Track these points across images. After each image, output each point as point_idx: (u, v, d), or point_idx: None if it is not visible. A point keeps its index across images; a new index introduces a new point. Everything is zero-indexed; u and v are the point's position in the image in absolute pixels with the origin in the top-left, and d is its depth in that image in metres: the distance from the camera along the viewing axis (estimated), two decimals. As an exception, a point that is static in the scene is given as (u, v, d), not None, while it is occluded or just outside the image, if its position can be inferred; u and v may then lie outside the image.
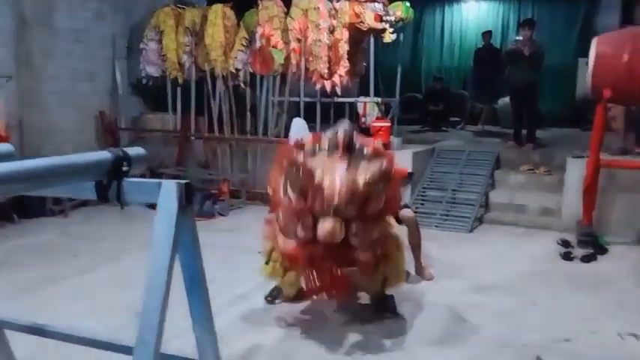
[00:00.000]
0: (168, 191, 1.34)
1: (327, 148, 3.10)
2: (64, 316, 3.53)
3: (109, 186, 1.39)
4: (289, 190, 3.05)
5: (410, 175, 5.26)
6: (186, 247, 1.43)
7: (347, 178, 2.95)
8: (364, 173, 2.97)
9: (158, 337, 1.34)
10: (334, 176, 2.96)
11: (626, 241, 5.36)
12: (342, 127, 3.10)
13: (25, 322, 1.96)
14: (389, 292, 3.65)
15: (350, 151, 3.06)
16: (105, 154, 1.37)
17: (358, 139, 3.18)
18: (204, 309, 1.51)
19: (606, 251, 5.12)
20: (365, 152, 3.09)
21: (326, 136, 3.17)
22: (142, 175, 8.04)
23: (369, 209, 3.01)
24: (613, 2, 10.04)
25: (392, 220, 3.66)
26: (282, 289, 3.86)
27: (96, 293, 3.99)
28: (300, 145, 3.19)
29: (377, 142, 3.32)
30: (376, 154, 3.10)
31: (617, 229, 5.52)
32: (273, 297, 3.87)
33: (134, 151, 1.45)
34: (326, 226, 2.92)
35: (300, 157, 3.07)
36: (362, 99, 7.73)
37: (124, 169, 1.40)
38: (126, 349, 1.66)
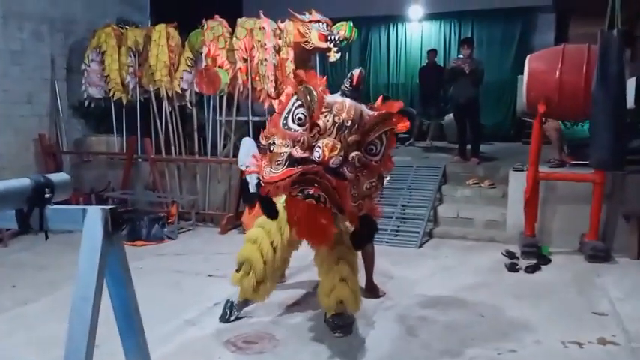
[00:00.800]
0: (93, 218, 1.29)
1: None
2: (2, 349, 3.36)
3: (29, 214, 1.33)
4: (290, 120, 2.97)
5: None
6: (114, 276, 1.37)
7: (357, 106, 2.92)
8: (370, 112, 2.96)
9: (86, 368, 1.27)
10: (345, 100, 2.93)
11: (568, 250, 5.55)
12: (356, 70, 3.07)
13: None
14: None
15: (356, 94, 3.00)
16: (25, 181, 1.31)
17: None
18: (138, 342, 1.45)
19: (549, 261, 5.29)
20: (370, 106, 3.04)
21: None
22: (87, 199, 7.81)
23: (369, 151, 2.96)
24: (547, 22, 10.56)
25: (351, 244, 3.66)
26: (232, 305, 3.84)
27: (36, 325, 3.80)
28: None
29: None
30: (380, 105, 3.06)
31: (559, 238, 5.71)
32: (226, 315, 3.83)
33: (57, 177, 1.39)
34: (327, 141, 2.79)
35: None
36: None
37: (47, 195, 1.34)
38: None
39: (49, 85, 7.71)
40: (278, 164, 2.92)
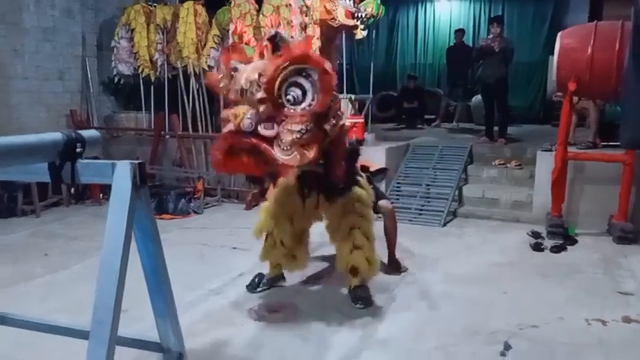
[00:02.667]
0: (122, 171, 1.34)
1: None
2: (35, 313, 3.48)
3: (62, 167, 1.38)
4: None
5: (384, 170, 5.29)
6: (142, 229, 1.42)
7: (260, 65, 2.92)
8: (277, 61, 2.87)
9: (114, 317, 1.33)
10: (249, 66, 2.96)
11: (595, 232, 5.46)
12: (272, 30, 3.13)
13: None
14: (362, 282, 3.68)
15: (276, 49, 2.99)
16: (57, 135, 1.36)
17: (285, 44, 3.01)
18: (164, 290, 1.51)
19: (576, 242, 5.22)
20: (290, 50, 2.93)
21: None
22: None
23: (288, 101, 2.87)
24: (581, 2, 10.28)
25: (370, 212, 3.70)
26: (263, 276, 3.91)
27: (67, 291, 3.94)
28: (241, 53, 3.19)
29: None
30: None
31: (586, 220, 5.63)
32: (254, 285, 3.90)
33: (88, 132, 1.43)
34: (232, 110, 2.93)
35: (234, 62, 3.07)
36: (342, 96, 7.76)
37: (78, 150, 1.38)
38: (85, 334, 1.64)
39: (79, 62, 7.86)
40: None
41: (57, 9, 7.45)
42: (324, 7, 6.36)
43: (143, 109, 7.90)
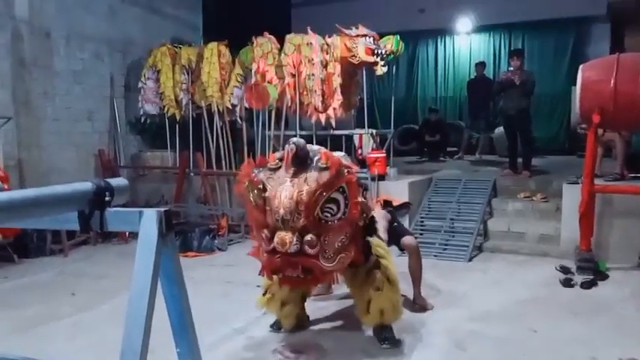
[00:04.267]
0: (149, 219, 1.37)
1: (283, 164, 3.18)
2: (62, 353, 3.52)
3: (91, 216, 1.42)
4: (254, 211, 3.21)
5: (407, 204, 5.28)
6: (167, 274, 1.44)
7: (292, 189, 3.02)
8: (310, 183, 3.02)
9: (140, 363, 1.34)
10: (278, 192, 3.05)
11: (626, 266, 5.33)
12: (291, 141, 3.16)
13: (18, 356, 1.96)
14: (389, 323, 3.63)
15: (302, 163, 3.11)
16: (87, 185, 1.40)
17: (319, 155, 3.16)
18: (189, 340, 1.51)
19: (607, 277, 5.09)
20: (316, 163, 3.11)
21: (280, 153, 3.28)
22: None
23: (326, 216, 3.05)
24: (602, 32, 10.26)
25: (387, 254, 3.68)
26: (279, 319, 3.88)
27: (94, 330, 3.97)
28: (262, 162, 3.30)
29: (332, 154, 3.27)
30: (327, 162, 3.09)
31: (617, 254, 5.50)
32: (279, 325, 3.89)
33: (116, 181, 1.48)
34: (277, 238, 3.04)
35: (257, 174, 3.19)
36: (357, 131, 7.83)
37: (107, 198, 1.42)
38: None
39: (108, 103, 8.11)
40: (262, 251, 3.22)
41: (86, 52, 7.73)
42: (345, 44, 6.49)
43: (168, 147, 8.07)
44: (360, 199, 3.18)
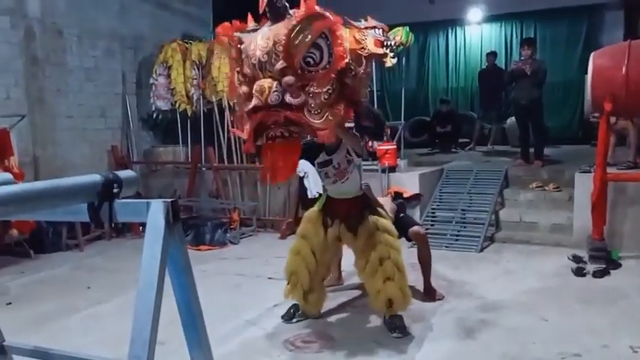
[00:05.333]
0: (156, 209, 1.40)
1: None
2: (76, 346, 3.58)
3: (100, 207, 1.45)
4: (234, 77, 3.04)
5: (418, 196, 5.27)
6: (175, 264, 1.47)
7: (268, 32, 2.82)
8: (287, 25, 2.80)
9: (150, 351, 1.37)
10: (255, 36, 2.86)
11: (639, 255, 5.28)
12: None
13: (31, 345, 2.01)
14: (399, 312, 3.66)
15: (278, 14, 2.88)
16: (95, 177, 1.43)
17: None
18: (197, 323, 1.55)
19: (619, 266, 5.06)
20: (296, 13, 2.87)
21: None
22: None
23: (307, 63, 2.81)
24: (616, 19, 10.12)
25: (396, 242, 3.70)
26: (298, 307, 3.93)
27: (108, 324, 4.03)
28: (241, 27, 3.08)
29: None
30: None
31: (630, 242, 5.46)
32: (290, 316, 3.93)
33: (125, 173, 1.51)
34: (255, 86, 2.80)
35: (236, 33, 3.00)
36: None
37: (115, 190, 1.46)
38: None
39: (120, 100, 8.18)
40: (245, 123, 2.99)
41: (98, 49, 7.81)
42: (354, 37, 6.43)
43: (180, 142, 8.14)
44: (345, 45, 2.93)
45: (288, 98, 2.79)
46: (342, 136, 3.38)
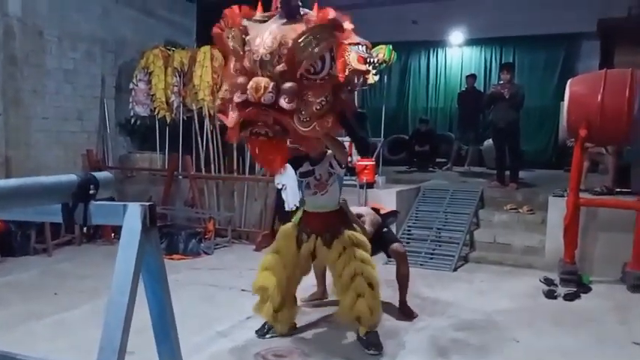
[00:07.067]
0: (133, 213, 1.37)
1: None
2: (43, 352, 3.47)
3: (75, 208, 1.41)
4: (231, 63, 3.01)
5: (394, 212, 5.29)
6: (150, 270, 1.44)
7: (277, 31, 2.79)
8: (297, 29, 2.78)
9: (119, 359, 1.33)
10: (264, 32, 2.83)
11: (609, 280, 5.37)
12: None
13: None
14: (371, 328, 3.63)
15: (292, 14, 2.88)
16: (71, 177, 1.40)
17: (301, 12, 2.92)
18: (170, 333, 1.51)
19: (590, 289, 5.13)
20: (308, 16, 2.87)
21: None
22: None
23: (308, 71, 2.81)
24: (592, 49, 10.39)
25: (368, 251, 3.67)
26: (272, 326, 3.86)
27: (76, 330, 3.92)
28: (249, 14, 3.04)
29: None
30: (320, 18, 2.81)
31: (600, 267, 5.54)
32: (263, 332, 3.86)
33: (101, 175, 1.47)
34: (251, 82, 2.78)
35: (243, 20, 2.96)
36: (347, 139, 7.84)
37: (91, 191, 1.42)
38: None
39: (98, 103, 8.07)
40: (232, 110, 2.98)
41: (78, 52, 7.70)
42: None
43: (158, 149, 8.04)
44: (348, 61, 2.86)
45: (281, 102, 2.79)
46: (327, 141, 3.36)
